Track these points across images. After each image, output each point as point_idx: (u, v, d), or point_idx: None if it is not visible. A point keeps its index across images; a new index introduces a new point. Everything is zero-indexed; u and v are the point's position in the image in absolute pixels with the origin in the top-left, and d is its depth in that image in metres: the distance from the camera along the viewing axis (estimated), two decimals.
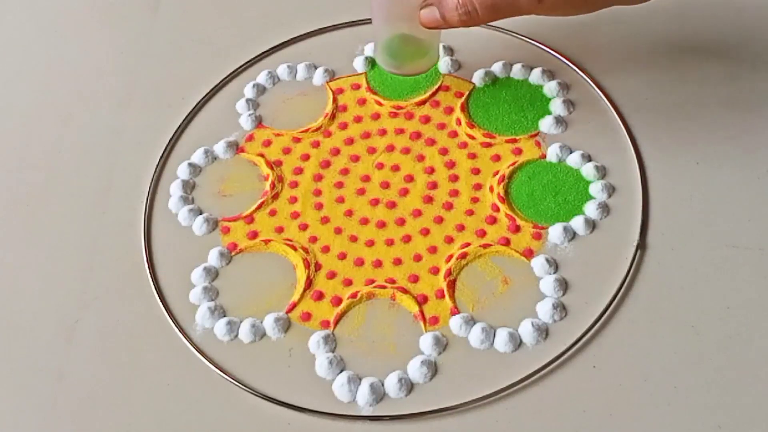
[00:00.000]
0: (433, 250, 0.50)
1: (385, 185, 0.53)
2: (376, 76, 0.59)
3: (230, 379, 0.45)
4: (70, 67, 0.63)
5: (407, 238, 0.50)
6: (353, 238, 0.51)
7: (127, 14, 0.66)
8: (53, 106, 0.60)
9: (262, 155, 0.55)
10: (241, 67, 0.61)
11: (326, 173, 0.54)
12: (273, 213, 0.52)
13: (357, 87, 0.59)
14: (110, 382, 0.45)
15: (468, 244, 0.50)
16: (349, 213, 0.52)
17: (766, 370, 0.44)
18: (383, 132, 0.56)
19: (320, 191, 0.53)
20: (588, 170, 0.53)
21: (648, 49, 0.59)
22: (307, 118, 0.57)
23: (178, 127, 0.57)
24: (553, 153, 0.54)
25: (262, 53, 0.61)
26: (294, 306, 0.48)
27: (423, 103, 0.58)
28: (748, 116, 0.54)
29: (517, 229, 0.50)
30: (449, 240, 0.50)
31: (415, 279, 0.49)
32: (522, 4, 0.44)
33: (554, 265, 0.48)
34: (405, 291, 0.48)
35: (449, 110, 0.57)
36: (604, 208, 0.51)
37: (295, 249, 0.50)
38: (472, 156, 0.54)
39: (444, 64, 0.59)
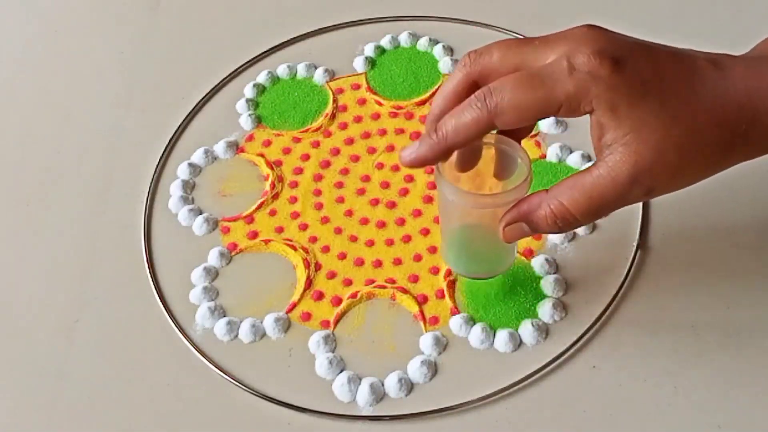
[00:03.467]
0: (433, 250, 0.50)
1: (385, 185, 0.53)
2: (376, 76, 0.59)
3: (230, 379, 0.45)
4: (70, 67, 0.63)
5: (407, 238, 0.50)
6: (353, 238, 0.51)
7: (127, 14, 0.66)
8: (53, 106, 0.60)
9: (262, 155, 0.55)
10: (241, 67, 0.61)
11: (326, 173, 0.54)
12: (273, 213, 0.52)
13: (357, 87, 0.59)
14: (110, 382, 0.45)
15: None
16: (349, 213, 0.52)
17: (766, 370, 0.44)
18: (383, 132, 0.56)
19: (320, 191, 0.53)
20: None
21: None
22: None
23: (178, 127, 0.57)
24: (553, 153, 0.53)
25: (262, 53, 0.61)
26: (294, 306, 0.48)
27: (423, 103, 0.58)
28: None
29: None
30: None
31: (415, 279, 0.49)
32: (630, 200, 0.36)
33: (554, 265, 0.48)
34: (405, 291, 0.48)
35: None
36: None
37: (295, 249, 0.50)
38: None
39: (444, 64, 0.60)
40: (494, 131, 0.38)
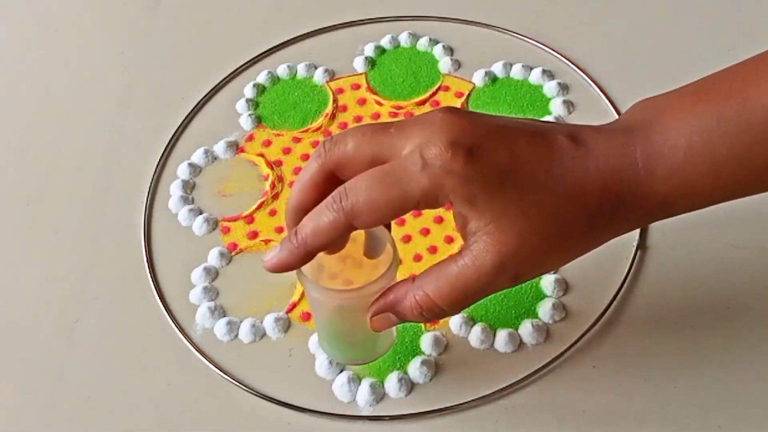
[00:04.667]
0: (433, 250, 0.50)
1: None
2: (376, 76, 0.60)
3: (230, 379, 0.45)
4: (70, 67, 0.63)
5: (407, 238, 0.50)
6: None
7: (127, 14, 0.66)
8: (53, 106, 0.60)
9: (262, 155, 0.55)
10: (241, 67, 0.61)
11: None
12: (273, 213, 0.52)
13: (357, 87, 0.59)
14: (110, 382, 0.45)
15: None
16: None
17: (766, 370, 0.44)
18: None
19: None
20: None
21: (648, 48, 0.59)
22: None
23: (178, 127, 0.57)
24: None
25: (262, 53, 0.61)
26: (294, 306, 0.48)
27: (423, 103, 0.58)
28: None
29: None
30: (449, 240, 0.50)
31: None
32: (497, 288, 0.35)
33: None
34: None
35: None
36: None
37: None
38: None
39: (444, 64, 0.60)
40: None
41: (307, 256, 0.36)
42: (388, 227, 0.40)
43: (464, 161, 0.33)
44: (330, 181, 0.36)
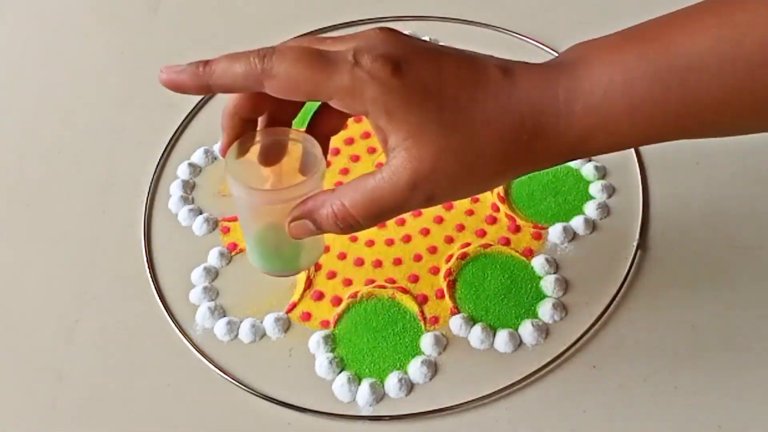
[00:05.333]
0: (433, 250, 0.50)
1: None
2: None
3: (230, 379, 0.45)
4: (70, 67, 0.63)
5: (407, 238, 0.50)
6: (353, 238, 0.51)
7: (127, 14, 0.66)
8: (53, 106, 0.60)
9: None
10: None
11: (326, 173, 0.54)
12: None
13: None
14: (110, 382, 0.45)
15: (468, 244, 0.50)
16: None
17: (766, 370, 0.44)
18: None
19: None
20: (588, 170, 0.53)
21: None
22: None
23: (178, 127, 0.57)
24: None
25: None
26: (294, 306, 0.48)
27: None
28: None
29: (517, 229, 0.50)
30: (449, 240, 0.50)
31: (415, 279, 0.49)
32: (411, 206, 0.36)
33: (554, 265, 0.48)
34: (405, 291, 0.48)
35: None
36: (604, 208, 0.51)
37: None
38: None
39: None
40: (302, 129, 0.38)
41: (205, 87, 0.36)
42: (327, 144, 0.41)
43: (390, 72, 0.33)
44: None
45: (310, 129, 0.40)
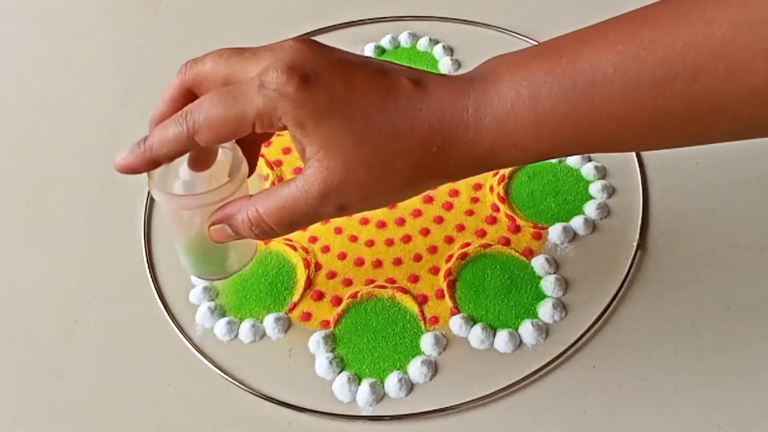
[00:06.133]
0: (433, 249, 0.50)
1: None
2: None
3: (230, 379, 0.45)
4: (70, 67, 0.63)
5: (407, 238, 0.50)
6: (353, 238, 0.51)
7: (127, 14, 0.66)
8: (53, 106, 0.60)
9: (262, 155, 0.55)
10: None
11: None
12: None
13: None
14: (110, 382, 0.45)
15: (468, 244, 0.50)
16: None
17: (766, 370, 0.44)
18: None
19: None
20: (588, 170, 0.53)
21: None
22: None
23: None
24: None
25: None
26: (294, 306, 0.48)
27: None
28: None
29: (517, 229, 0.50)
30: (449, 240, 0.50)
31: (415, 279, 0.49)
32: (323, 215, 0.37)
33: (554, 265, 0.48)
34: (405, 291, 0.48)
35: None
36: (604, 208, 0.51)
37: (295, 249, 0.50)
38: None
39: (444, 64, 0.59)
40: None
41: (152, 162, 0.38)
42: (256, 151, 0.42)
43: (298, 86, 0.34)
44: (188, 96, 0.38)
45: (241, 139, 0.40)
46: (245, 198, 0.38)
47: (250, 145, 0.41)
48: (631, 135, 0.34)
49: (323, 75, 0.35)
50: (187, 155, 0.40)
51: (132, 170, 0.38)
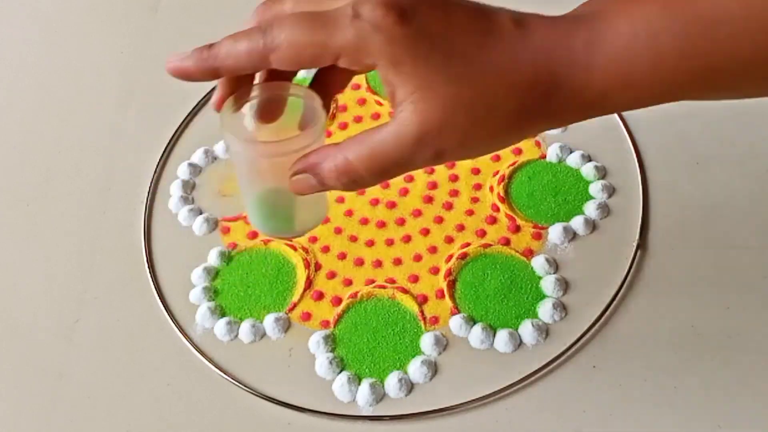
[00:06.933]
0: (433, 250, 0.50)
1: (385, 185, 0.53)
2: (376, 76, 0.59)
3: (230, 379, 0.45)
4: (70, 67, 0.63)
5: (407, 238, 0.50)
6: (353, 238, 0.51)
7: (127, 14, 0.66)
8: (53, 106, 0.60)
9: None
10: None
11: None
12: None
13: (357, 87, 0.59)
14: (110, 382, 0.45)
15: (468, 244, 0.50)
16: (349, 213, 0.52)
17: (766, 370, 0.44)
18: None
19: None
20: (588, 170, 0.53)
21: None
22: None
23: (178, 127, 0.57)
24: (553, 153, 0.54)
25: None
26: (294, 306, 0.48)
27: None
28: (748, 117, 0.54)
29: (517, 229, 0.50)
30: (449, 240, 0.50)
31: (415, 279, 0.49)
32: (418, 163, 0.33)
33: (554, 265, 0.48)
34: (405, 291, 0.48)
35: None
36: (604, 208, 0.51)
37: (295, 249, 0.50)
38: None
39: None
40: (305, 84, 0.36)
41: (212, 72, 0.34)
42: (328, 105, 0.38)
43: (395, 21, 0.31)
44: None
45: (313, 86, 0.38)
46: (331, 146, 0.35)
47: (326, 97, 0.37)
48: (752, 78, 0.32)
49: (421, 11, 0.32)
50: (255, 103, 0.37)
51: (185, 75, 0.34)
